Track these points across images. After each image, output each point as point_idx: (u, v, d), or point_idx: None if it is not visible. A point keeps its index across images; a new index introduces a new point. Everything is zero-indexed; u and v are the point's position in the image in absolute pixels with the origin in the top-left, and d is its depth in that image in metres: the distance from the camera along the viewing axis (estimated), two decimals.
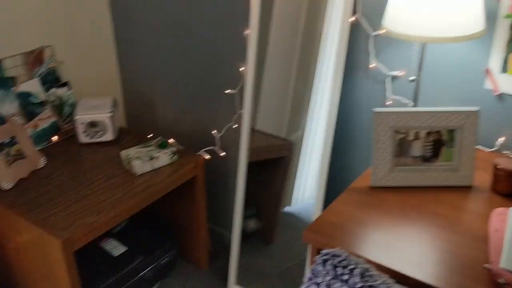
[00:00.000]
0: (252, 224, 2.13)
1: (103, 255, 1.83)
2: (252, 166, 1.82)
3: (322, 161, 1.62)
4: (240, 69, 1.73)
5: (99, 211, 1.54)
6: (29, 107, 1.86)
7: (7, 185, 1.65)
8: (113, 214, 1.56)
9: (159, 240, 1.96)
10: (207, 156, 1.88)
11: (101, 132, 1.93)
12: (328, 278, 0.95)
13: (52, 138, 1.95)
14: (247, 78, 1.67)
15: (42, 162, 1.80)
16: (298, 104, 1.71)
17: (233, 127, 1.86)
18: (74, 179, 1.72)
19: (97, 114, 1.90)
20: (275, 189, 1.93)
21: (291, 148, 1.78)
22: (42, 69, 1.91)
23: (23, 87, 1.84)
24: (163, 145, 1.80)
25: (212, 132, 1.87)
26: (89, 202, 1.59)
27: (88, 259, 1.81)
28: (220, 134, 1.86)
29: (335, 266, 0.95)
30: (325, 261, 0.96)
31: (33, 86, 1.87)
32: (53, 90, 1.94)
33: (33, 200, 1.60)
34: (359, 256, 0.99)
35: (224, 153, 1.88)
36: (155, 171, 1.77)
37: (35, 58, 1.89)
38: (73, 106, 2.01)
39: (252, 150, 1.78)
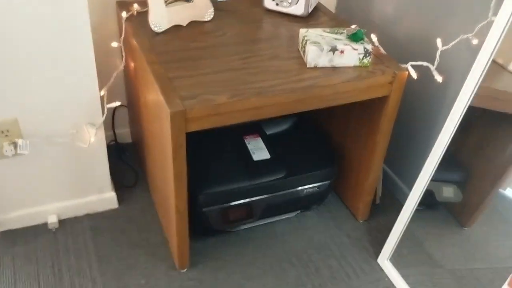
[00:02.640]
0: (448, 192, 1.52)
1: (240, 151, 1.46)
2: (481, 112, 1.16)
3: None
4: None
5: (237, 93, 1.12)
6: None
7: (158, 27, 1.33)
8: (253, 105, 1.12)
9: (315, 162, 1.49)
10: (414, 74, 1.26)
11: (291, 1, 1.45)
12: None
13: None
14: None
15: (209, 14, 1.43)
16: None
17: (473, 41, 1.18)
18: (234, 46, 1.31)
19: None
20: (503, 156, 1.26)
21: None
22: None
23: None
24: (356, 37, 1.24)
25: (437, 42, 1.22)
26: (233, 77, 1.18)
27: (220, 148, 1.47)
28: (445, 47, 1.20)
29: None
30: None
31: None
32: None
33: (175, 52, 1.26)
34: None
35: (441, 77, 1.23)
36: (334, 69, 1.24)
37: None
38: None
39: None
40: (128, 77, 1.55)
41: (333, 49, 1.22)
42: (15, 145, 1.28)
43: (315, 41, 1.23)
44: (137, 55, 1.29)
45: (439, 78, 1.24)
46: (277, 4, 1.48)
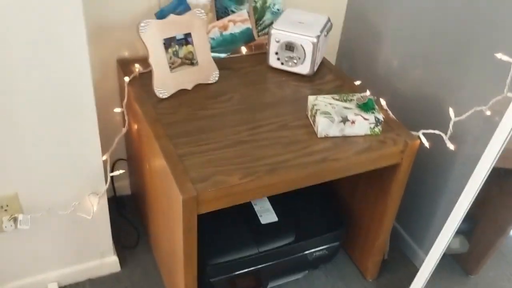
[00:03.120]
0: (455, 243, 1.50)
1: (247, 213, 1.42)
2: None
3: None
4: None
5: (249, 172, 1.09)
6: (223, 1, 1.44)
7: (163, 93, 1.30)
8: (266, 183, 1.09)
9: (324, 224, 1.46)
10: (426, 143, 1.24)
11: (296, 61, 1.43)
12: None
13: (238, 49, 1.53)
14: None
15: (214, 76, 1.39)
16: None
17: (487, 113, 1.16)
18: (241, 113, 1.28)
19: (299, 34, 1.39)
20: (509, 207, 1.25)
21: None
22: None
23: None
24: (367, 106, 1.21)
25: (449, 112, 1.21)
26: (243, 152, 1.14)
27: (226, 210, 1.43)
28: (459, 118, 1.19)
29: None
30: None
31: None
32: None
33: (182, 123, 1.22)
34: None
35: (453, 146, 1.22)
36: (344, 139, 1.22)
37: None
38: (277, 15, 1.53)
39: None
40: (130, 134, 1.50)
41: (344, 120, 1.20)
42: (15, 220, 1.23)
43: (325, 112, 1.20)
44: (142, 123, 1.25)
45: (451, 146, 1.22)
46: (282, 64, 1.45)
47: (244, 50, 1.54)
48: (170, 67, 1.30)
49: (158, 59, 1.27)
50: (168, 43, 1.28)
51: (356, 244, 1.55)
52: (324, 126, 1.20)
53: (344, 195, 1.56)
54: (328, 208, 1.50)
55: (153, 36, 1.25)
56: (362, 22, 1.65)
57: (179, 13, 1.36)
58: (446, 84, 1.34)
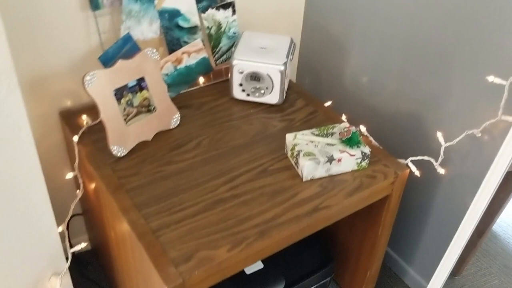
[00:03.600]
0: None
1: None
2: None
3: None
4: None
5: (237, 240, 0.95)
6: (173, 33, 1.28)
7: (120, 151, 1.13)
8: (258, 249, 0.96)
9: (312, 262, 1.35)
10: (416, 171, 1.15)
11: (264, 91, 1.30)
12: None
13: (197, 82, 1.38)
14: None
15: (175, 120, 1.24)
16: None
17: (477, 135, 1.09)
18: (213, 161, 1.14)
19: (264, 63, 1.25)
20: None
21: None
22: None
23: (171, 1, 1.25)
24: (352, 141, 1.11)
25: (438, 136, 1.12)
26: (226, 214, 1.00)
27: None
28: (449, 143, 1.11)
29: None
30: None
31: (184, 0, 1.27)
32: (211, 11, 1.32)
33: (149, 186, 1.06)
34: None
35: (443, 170, 1.14)
36: (331, 179, 1.11)
37: None
38: (234, 39, 1.39)
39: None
40: (85, 190, 1.32)
41: (330, 159, 1.08)
42: None
43: (308, 153, 1.08)
44: (102, 191, 1.08)
45: (441, 171, 1.15)
46: (248, 95, 1.32)
47: (202, 80, 1.40)
48: (125, 119, 1.13)
49: (111, 113, 1.10)
50: (120, 93, 1.11)
51: (347, 274, 1.46)
52: (309, 170, 1.08)
53: (331, 228, 1.46)
54: (315, 245, 1.40)
55: (102, 89, 1.07)
56: (322, 35, 1.54)
57: (127, 54, 1.19)
58: (427, 100, 1.26)
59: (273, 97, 1.31)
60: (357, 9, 1.38)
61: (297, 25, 1.60)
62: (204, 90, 1.38)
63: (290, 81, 1.43)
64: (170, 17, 1.26)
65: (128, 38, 1.20)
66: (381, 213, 1.22)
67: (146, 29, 1.23)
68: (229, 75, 1.29)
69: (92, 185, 1.16)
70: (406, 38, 1.26)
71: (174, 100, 1.31)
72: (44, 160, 1.31)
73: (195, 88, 1.38)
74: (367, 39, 1.39)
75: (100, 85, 1.07)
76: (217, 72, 1.41)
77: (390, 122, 1.39)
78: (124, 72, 1.11)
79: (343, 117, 1.30)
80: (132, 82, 1.13)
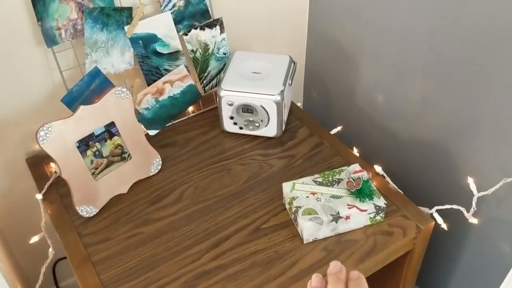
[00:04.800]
0: None
1: None
2: None
3: None
4: None
5: None
6: (151, 61, 1.10)
7: (88, 212, 0.97)
8: None
9: None
10: (443, 224, 0.95)
11: (259, 123, 1.11)
12: None
13: (184, 113, 1.20)
14: None
15: (155, 165, 1.07)
16: None
17: None
18: (197, 217, 0.96)
19: (256, 93, 1.06)
20: None
21: None
22: None
23: (145, 25, 1.06)
24: (363, 194, 0.91)
25: (470, 185, 0.92)
26: None
27: None
28: (484, 193, 0.90)
29: None
30: None
31: (161, 23, 1.08)
32: (194, 32, 1.13)
33: (122, 257, 0.90)
34: None
35: (476, 220, 0.94)
36: (338, 239, 0.92)
37: None
38: (224, 60, 1.20)
39: None
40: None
41: (336, 218, 0.90)
42: None
43: (309, 210, 0.90)
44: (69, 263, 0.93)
45: (474, 221, 0.95)
46: (241, 128, 1.13)
47: (190, 109, 1.22)
48: (93, 173, 0.96)
49: (74, 170, 0.93)
50: (85, 144, 0.94)
51: None
52: (311, 232, 0.90)
53: None
54: None
55: (61, 143, 0.90)
56: (330, 48, 1.33)
57: (96, 90, 1.02)
58: (454, 129, 1.05)
59: (270, 130, 1.12)
60: (370, 19, 1.16)
61: (301, 36, 1.40)
62: (192, 121, 1.20)
63: (292, 105, 1.23)
64: (145, 44, 1.08)
65: (95, 73, 1.02)
66: (401, 269, 1.03)
67: (117, 61, 1.06)
68: (218, 106, 1.11)
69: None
70: (429, 53, 1.05)
71: (155, 137, 1.14)
72: (16, 212, 1.17)
73: (181, 119, 1.20)
74: (381, 54, 1.17)
75: (59, 139, 0.90)
76: (206, 98, 1.23)
77: (409, 153, 1.18)
78: (88, 119, 0.94)
79: (355, 151, 1.10)
80: (99, 130, 0.96)
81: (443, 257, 1.21)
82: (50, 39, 0.97)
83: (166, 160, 1.09)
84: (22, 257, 1.27)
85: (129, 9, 1.03)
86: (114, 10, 1.01)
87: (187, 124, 1.20)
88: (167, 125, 1.18)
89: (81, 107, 0.93)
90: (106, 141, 0.98)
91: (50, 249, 1.04)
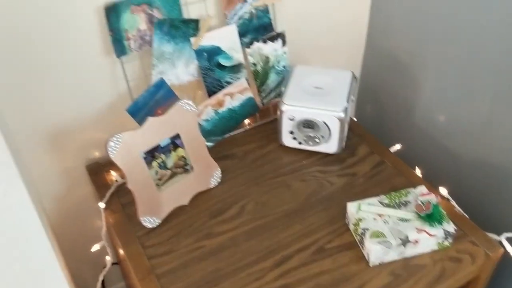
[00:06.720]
0: None
1: None
2: None
3: None
4: None
5: None
6: (213, 73, 1.10)
7: (152, 222, 0.97)
8: None
9: None
10: (511, 250, 0.92)
11: (319, 139, 1.10)
12: None
13: (242, 123, 1.20)
14: None
15: (215, 178, 1.06)
16: None
17: None
18: (259, 233, 0.96)
19: (319, 109, 1.05)
20: None
21: None
22: (244, 9, 1.09)
23: (210, 38, 1.06)
24: (433, 218, 0.89)
25: None
26: None
27: None
28: None
29: None
30: None
31: (226, 36, 1.08)
32: (257, 45, 1.12)
33: (185, 270, 0.89)
34: None
35: None
36: (405, 263, 0.90)
37: None
38: (283, 74, 1.19)
39: None
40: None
41: (404, 242, 0.88)
42: None
43: (377, 233, 0.88)
44: (130, 274, 0.93)
45: None
46: (300, 143, 1.12)
47: (247, 121, 1.21)
48: (157, 184, 0.97)
49: (140, 181, 0.93)
50: (151, 156, 0.94)
51: None
52: (378, 255, 0.88)
53: None
54: None
55: (128, 154, 0.91)
56: (388, 60, 1.31)
57: (160, 101, 1.02)
58: None
59: (330, 147, 1.10)
60: (435, 32, 1.14)
61: (358, 48, 1.38)
62: (249, 134, 1.20)
63: (350, 120, 1.22)
64: (209, 56, 1.07)
65: (161, 84, 1.03)
66: None
67: (181, 72, 1.06)
68: (278, 120, 1.10)
69: (122, 256, 1.01)
70: (502, 72, 1.02)
71: (214, 149, 1.14)
72: (71, 219, 1.18)
73: (238, 131, 1.20)
74: (446, 70, 1.15)
75: (127, 150, 0.90)
76: (264, 111, 1.22)
77: (474, 175, 1.15)
78: (155, 130, 0.94)
79: (417, 171, 1.08)
80: (165, 141, 0.96)
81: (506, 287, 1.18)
82: (119, 49, 0.98)
83: (225, 173, 1.09)
84: (75, 263, 1.28)
85: (196, 21, 1.03)
86: (182, 22, 1.02)
87: (244, 137, 1.19)
88: (224, 136, 1.18)
89: (150, 119, 0.93)
90: (171, 152, 0.98)
91: (108, 257, 1.04)
